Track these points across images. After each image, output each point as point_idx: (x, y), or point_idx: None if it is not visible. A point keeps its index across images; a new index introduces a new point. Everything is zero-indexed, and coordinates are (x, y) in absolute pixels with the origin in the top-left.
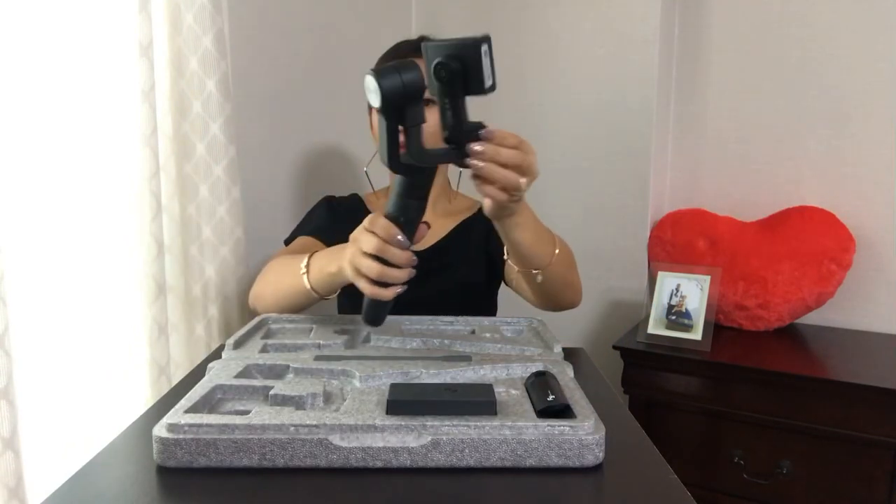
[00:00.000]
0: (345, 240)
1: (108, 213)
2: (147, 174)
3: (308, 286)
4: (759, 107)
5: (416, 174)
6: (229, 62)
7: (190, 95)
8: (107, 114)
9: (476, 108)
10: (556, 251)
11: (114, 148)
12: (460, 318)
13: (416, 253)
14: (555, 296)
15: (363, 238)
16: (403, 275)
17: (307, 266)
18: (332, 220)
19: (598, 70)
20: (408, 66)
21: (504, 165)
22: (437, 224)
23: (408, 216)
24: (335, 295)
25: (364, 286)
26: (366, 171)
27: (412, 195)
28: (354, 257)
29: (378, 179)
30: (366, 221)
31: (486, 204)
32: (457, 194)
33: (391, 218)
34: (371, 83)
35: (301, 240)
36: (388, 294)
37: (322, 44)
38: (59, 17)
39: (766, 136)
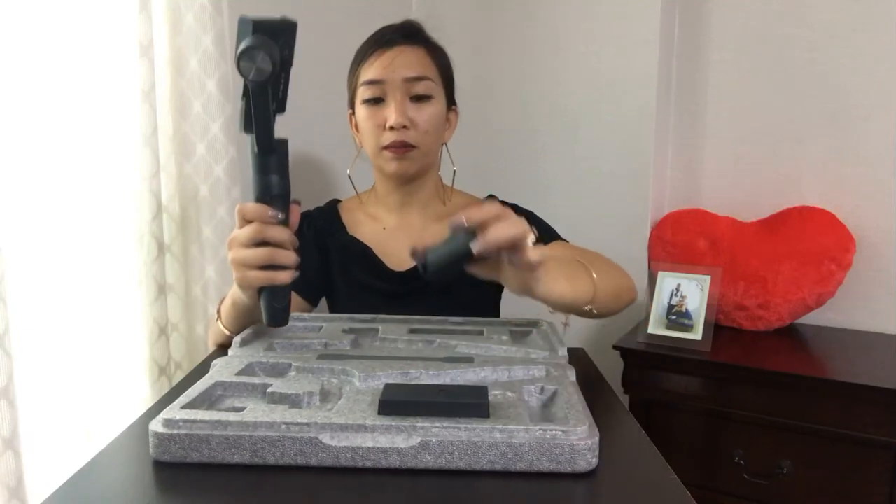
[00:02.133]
0: (320, 271)
1: (108, 213)
2: (147, 174)
3: (225, 330)
4: (759, 107)
5: (277, 149)
6: (229, 62)
7: (190, 95)
8: (107, 114)
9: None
10: (594, 276)
11: (114, 148)
12: (469, 319)
13: (407, 271)
14: (613, 311)
15: (236, 233)
16: (291, 256)
17: (218, 311)
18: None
19: (598, 70)
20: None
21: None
22: (432, 230)
23: (276, 192)
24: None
25: (256, 276)
26: (349, 175)
27: (274, 171)
28: (236, 255)
29: (361, 184)
30: (236, 214)
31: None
32: (452, 193)
33: (259, 199)
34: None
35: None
36: (285, 277)
37: (321, 44)
38: (60, 17)
39: (766, 136)
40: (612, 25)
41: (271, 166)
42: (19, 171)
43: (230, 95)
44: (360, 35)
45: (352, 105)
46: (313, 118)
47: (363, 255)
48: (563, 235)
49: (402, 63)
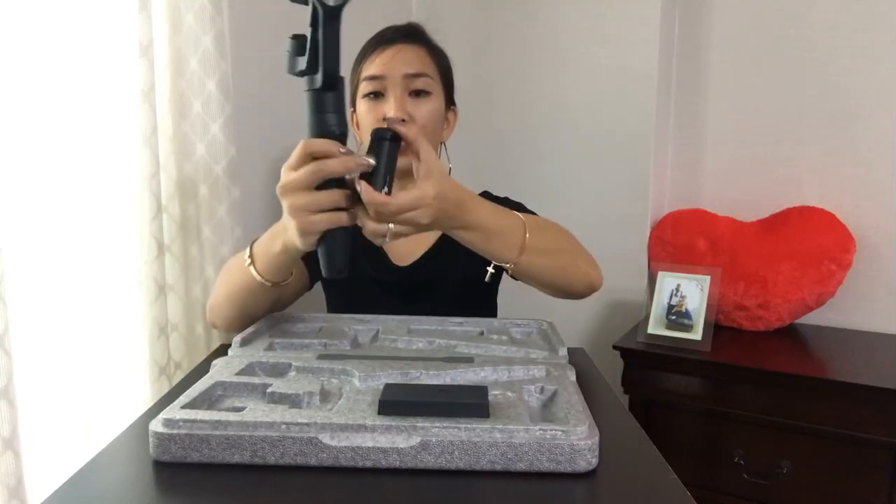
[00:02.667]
0: (312, 255)
1: (108, 213)
2: (147, 174)
3: (257, 276)
4: (759, 107)
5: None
6: (229, 62)
7: (190, 95)
8: (107, 114)
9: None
10: (526, 238)
11: (114, 148)
12: (469, 320)
13: (409, 266)
14: (553, 285)
15: (294, 177)
16: (346, 198)
17: (251, 255)
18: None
19: (598, 70)
20: None
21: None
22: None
23: (336, 130)
24: (289, 280)
25: (322, 219)
26: None
27: (333, 109)
28: (298, 200)
29: None
30: (292, 159)
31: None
32: None
33: (322, 136)
34: None
35: (265, 236)
36: (352, 218)
37: None
38: (60, 17)
39: (766, 136)
40: (612, 25)
41: (331, 103)
42: (19, 171)
43: (230, 95)
44: (360, 35)
45: (353, 103)
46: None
47: (371, 249)
48: None
49: (403, 60)
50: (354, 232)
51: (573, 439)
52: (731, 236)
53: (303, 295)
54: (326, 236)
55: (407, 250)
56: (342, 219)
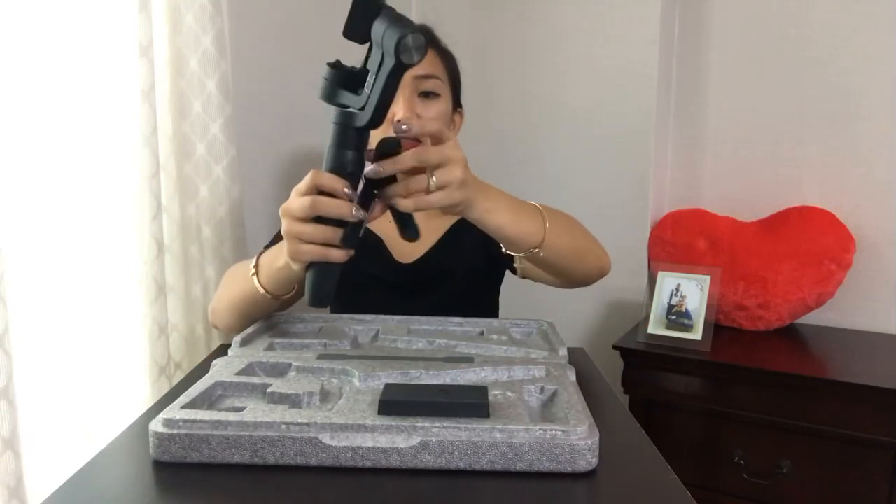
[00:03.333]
0: None
1: (108, 213)
2: (147, 174)
3: (260, 288)
4: (759, 107)
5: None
6: (229, 62)
7: (190, 95)
8: (107, 114)
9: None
10: (546, 224)
11: (114, 148)
12: (469, 320)
13: (412, 263)
14: (571, 269)
15: (291, 204)
16: (345, 235)
17: (256, 266)
18: None
19: (598, 70)
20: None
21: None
22: (431, 225)
23: (350, 169)
24: (291, 294)
25: (310, 250)
26: None
27: (354, 147)
28: (291, 227)
29: None
30: (301, 184)
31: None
32: None
33: (335, 171)
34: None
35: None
36: (339, 256)
37: (322, 44)
38: (60, 16)
39: (766, 136)
40: (612, 25)
41: (354, 142)
42: (19, 171)
43: (230, 95)
44: None
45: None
46: (314, 117)
47: (374, 247)
48: None
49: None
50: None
51: (573, 439)
52: (731, 236)
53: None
54: (313, 266)
55: (410, 248)
56: (329, 254)
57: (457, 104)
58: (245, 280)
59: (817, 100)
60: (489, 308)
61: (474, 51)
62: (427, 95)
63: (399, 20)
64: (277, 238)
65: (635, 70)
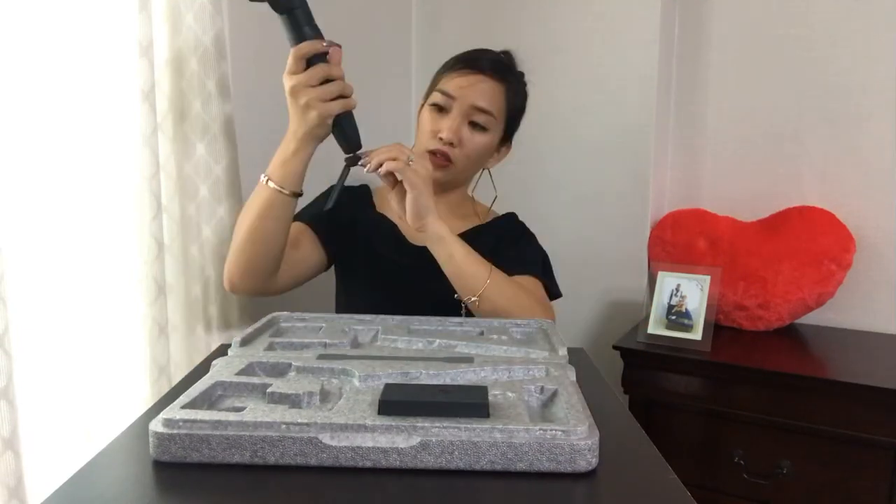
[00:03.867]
0: (343, 227)
1: (108, 213)
2: (147, 174)
3: (276, 188)
4: (759, 107)
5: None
6: (229, 62)
7: (190, 95)
8: (107, 114)
9: None
10: (488, 280)
11: (114, 148)
12: (469, 320)
13: (416, 246)
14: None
15: (302, 77)
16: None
17: (267, 175)
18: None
19: (598, 70)
20: None
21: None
22: (450, 225)
23: (310, 36)
24: (302, 193)
25: (335, 105)
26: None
27: (305, 22)
28: (312, 94)
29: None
30: (290, 65)
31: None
32: (477, 203)
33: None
34: None
35: (294, 225)
36: (354, 101)
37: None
38: (60, 16)
39: (766, 136)
40: (612, 25)
41: (301, 19)
42: (19, 171)
43: (230, 95)
44: (360, 34)
45: (426, 97)
46: None
47: (389, 231)
48: (564, 235)
49: (478, 91)
50: (369, 215)
51: (573, 439)
52: (731, 236)
53: (317, 276)
54: (340, 120)
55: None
56: (350, 102)
57: (507, 138)
58: (259, 196)
59: (817, 100)
60: None
61: None
62: (475, 126)
63: None
64: (306, 208)
65: (635, 70)
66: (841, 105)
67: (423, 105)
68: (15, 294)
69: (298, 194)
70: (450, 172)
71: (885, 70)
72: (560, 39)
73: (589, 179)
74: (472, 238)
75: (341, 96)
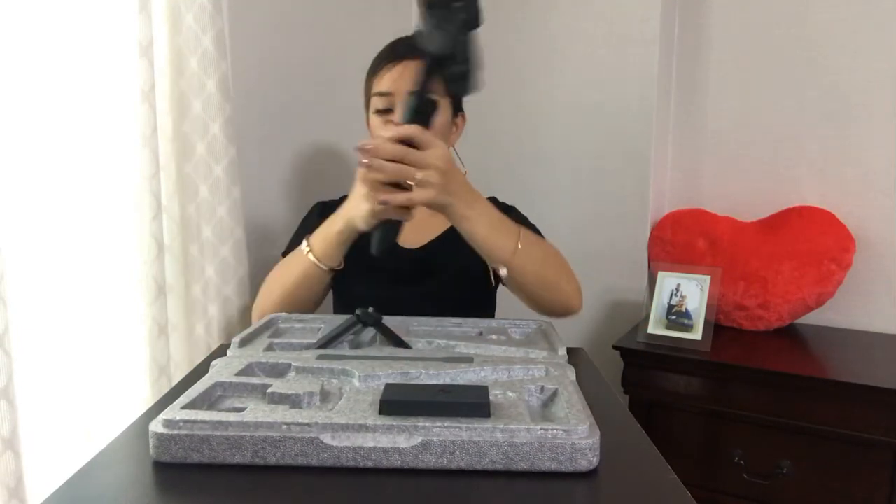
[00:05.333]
0: None
1: (108, 213)
2: (147, 174)
3: (316, 261)
4: (759, 107)
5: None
6: (229, 62)
7: (190, 95)
8: (107, 114)
9: (475, 108)
10: (518, 245)
11: (114, 148)
12: (468, 320)
13: (416, 249)
14: (533, 296)
15: (387, 167)
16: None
17: (308, 245)
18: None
19: (598, 70)
20: None
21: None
22: (435, 221)
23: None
24: (339, 268)
25: (390, 211)
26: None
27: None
28: (366, 175)
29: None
30: (377, 140)
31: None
32: None
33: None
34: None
35: (322, 226)
36: (410, 216)
37: (322, 44)
38: (60, 16)
39: (766, 136)
40: (612, 25)
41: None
42: (19, 171)
43: (230, 95)
44: (360, 34)
45: (367, 107)
46: (314, 117)
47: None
48: (563, 235)
49: (410, 76)
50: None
51: (574, 438)
52: (731, 236)
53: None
54: (386, 224)
55: (416, 235)
56: (405, 214)
57: (457, 109)
58: (298, 263)
59: (817, 100)
60: (486, 303)
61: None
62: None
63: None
64: (298, 231)
65: (635, 70)
66: (841, 105)
67: (367, 116)
68: (15, 294)
69: (337, 270)
70: None
71: (885, 70)
72: (560, 39)
73: (589, 179)
74: (457, 235)
75: (403, 207)
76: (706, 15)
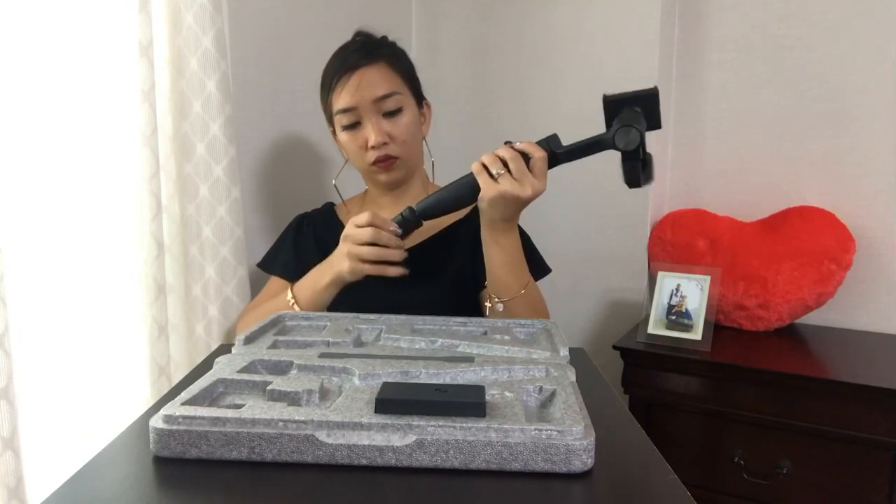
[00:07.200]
0: (312, 259)
1: (108, 213)
2: (147, 174)
3: (301, 312)
4: (759, 107)
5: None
6: (229, 62)
7: (190, 95)
8: (107, 114)
9: (475, 108)
10: (524, 291)
11: (114, 148)
12: (473, 319)
13: (415, 247)
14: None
15: (354, 233)
16: (399, 254)
17: (293, 296)
18: (296, 251)
19: (598, 70)
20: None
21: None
22: (431, 221)
23: (411, 219)
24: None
25: (369, 269)
26: (334, 184)
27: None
28: (351, 249)
29: (346, 190)
30: (361, 218)
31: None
32: (432, 187)
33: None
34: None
35: (273, 282)
36: (393, 272)
37: (322, 44)
38: (60, 16)
39: (766, 136)
40: (612, 25)
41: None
42: (19, 171)
43: (230, 95)
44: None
45: (331, 122)
46: (314, 117)
47: None
48: (564, 235)
49: (368, 84)
50: (336, 233)
51: (568, 439)
52: (731, 236)
53: None
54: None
55: (414, 235)
56: (386, 270)
57: (421, 100)
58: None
59: (817, 100)
60: (477, 309)
61: (474, 51)
62: (392, 114)
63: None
64: (276, 247)
65: (635, 70)
66: (841, 105)
67: (334, 134)
68: (15, 294)
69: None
70: (402, 167)
71: (885, 70)
72: (560, 39)
73: (589, 179)
74: (451, 237)
75: (383, 261)
76: (706, 15)
